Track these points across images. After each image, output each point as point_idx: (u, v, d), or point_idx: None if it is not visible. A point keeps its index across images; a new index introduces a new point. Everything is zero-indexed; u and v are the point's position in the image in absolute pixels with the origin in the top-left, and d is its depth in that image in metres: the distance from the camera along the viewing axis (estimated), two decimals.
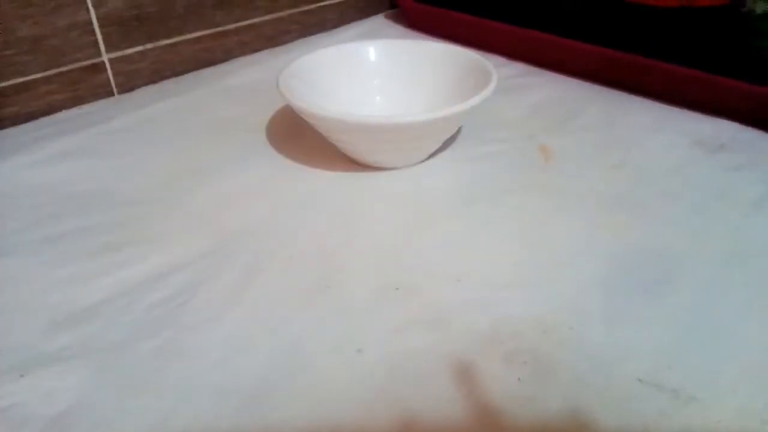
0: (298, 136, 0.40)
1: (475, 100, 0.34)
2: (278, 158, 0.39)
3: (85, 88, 0.47)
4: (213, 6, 0.51)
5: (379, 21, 0.62)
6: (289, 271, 0.30)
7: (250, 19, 0.54)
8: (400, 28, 0.60)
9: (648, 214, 0.33)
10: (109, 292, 0.29)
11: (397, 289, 0.29)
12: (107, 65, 0.47)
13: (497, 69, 0.38)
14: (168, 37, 0.50)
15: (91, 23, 0.46)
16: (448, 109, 0.34)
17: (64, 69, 0.46)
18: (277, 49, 0.56)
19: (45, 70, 0.45)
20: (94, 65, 0.47)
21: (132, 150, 0.41)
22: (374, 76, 0.42)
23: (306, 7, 0.57)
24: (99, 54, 0.47)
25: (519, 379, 0.24)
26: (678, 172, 0.36)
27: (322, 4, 0.58)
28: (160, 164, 0.39)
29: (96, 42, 0.46)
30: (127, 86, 0.49)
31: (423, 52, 0.42)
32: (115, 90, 0.48)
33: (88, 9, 0.45)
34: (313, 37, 0.58)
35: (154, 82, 0.50)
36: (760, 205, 0.33)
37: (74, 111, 0.46)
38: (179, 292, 0.29)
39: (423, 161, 0.38)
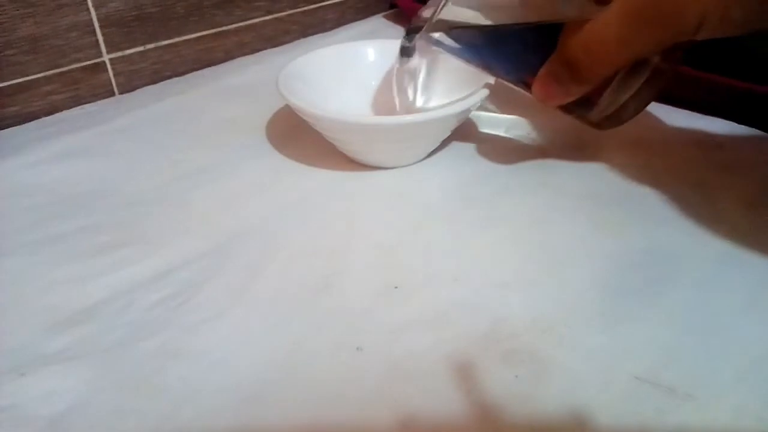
0: (298, 136, 0.40)
1: (471, 101, 0.34)
2: (278, 158, 0.39)
3: (85, 88, 0.47)
4: (213, 6, 0.51)
5: (378, 21, 0.62)
6: (289, 270, 0.30)
7: (250, 19, 0.54)
8: (399, 29, 0.60)
9: (646, 214, 0.33)
10: (109, 292, 0.29)
11: (396, 288, 0.29)
12: (108, 65, 0.48)
13: None
14: (168, 37, 0.50)
15: (91, 23, 0.46)
16: (443, 109, 0.34)
17: (64, 69, 0.46)
18: (277, 50, 0.56)
19: (46, 70, 0.45)
20: (94, 65, 0.47)
21: (132, 150, 0.41)
22: (373, 76, 0.42)
23: (305, 8, 0.57)
24: (100, 54, 0.47)
25: (517, 377, 0.24)
26: (676, 171, 0.36)
27: (321, 4, 0.58)
28: (160, 164, 0.39)
29: (97, 42, 0.46)
30: (128, 86, 0.49)
31: (422, 52, 0.42)
32: (115, 90, 0.49)
33: (88, 9, 0.45)
34: (312, 37, 0.58)
35: (154, 82, 0.50)
36: (757, 205, 0.33)
37: (75, 111, 0.46)
38: (179, 291, 0.29)
39: (422, 160, 0.38)
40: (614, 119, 0.32)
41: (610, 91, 0.31)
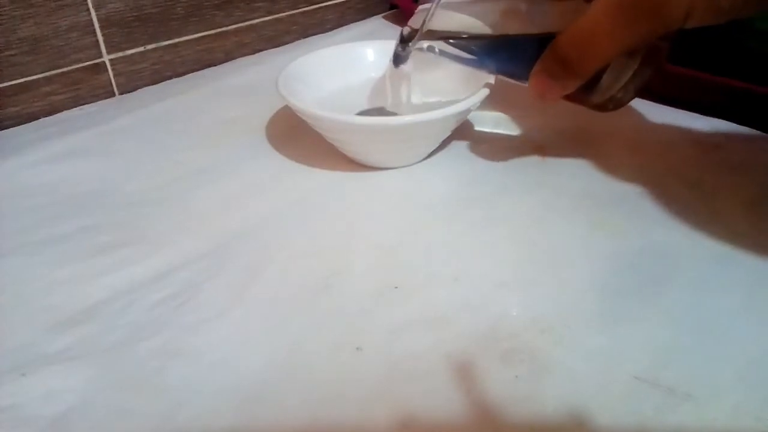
0: (298, 136, 0.40)
1: (468, 102, 0.34)
2: (278, 158, 0.39)
3: (86, 88, 0.47)
4: (213, 7, 0.51)
5: (378, 22, 0.62)
6: (289, 271, 0.30)
7: (250, 20, 0.54)
8: (399, 30, 0.60)
9: (645, 214, 0.33)
10: (110, 292, 0.29)
11: (396, 288, 0.29)
12: (108, 66, 0.48)
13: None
14: (168, 37, 0.50)
15: (92, 24, 0.46)
16: (443, 109, 0.34)
17: (65, 69, 0.46)
18: (277, 50, 0.56)
19: (46, 70, 0.45)
20: (95, 66, 0.47)
21: (132, 150, 0.41)
22: (373, 77, 0.42)
23: (305, 8, 0.57)
24: (100, 54, 0.47)
25: (517, 377, 0.24)
26: (674, 171, 0.36)
27: (321, 5, 0.58)
28: (160, 164, 0.39)
29: (97, 42, 0.46)
30: (128, 87, 0.49)
31: (421, 53, 0.42)
32: (116, 90, 0.49)
33: (88, 10, 0.45)
34: (312, 38, 0.58)
35: (154, 82, 0.50)
36: (756, 205, 0.33)
37: (75, 111, 0.46)
38: (179, 292, 0.29)
39: (422, 160, 0.38)
40: (616, 101, 0.33)
41: (607, 76, 0.31)
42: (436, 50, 0.34)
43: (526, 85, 0.32)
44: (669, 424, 0.22)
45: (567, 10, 0.30)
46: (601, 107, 0.33)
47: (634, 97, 0.33)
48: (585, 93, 0.32)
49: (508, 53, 0.33)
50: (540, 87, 0.31)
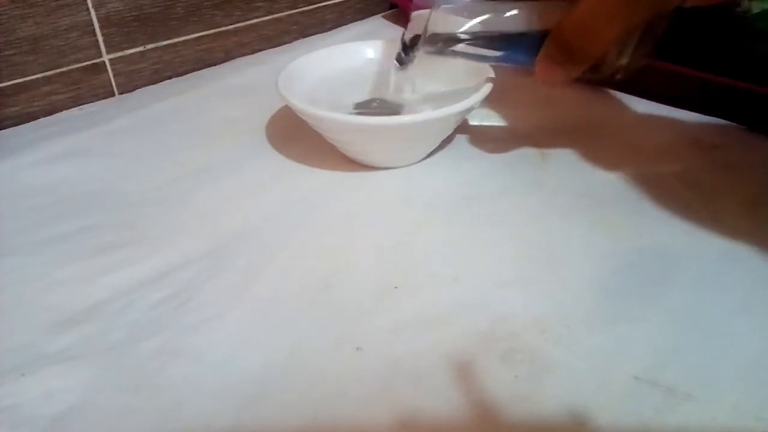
0: (298, 136, 0.40)
1: (468, 102, 0.34)
2: (278, 158, 0.39)
3: (85, 88, 0.47)
4: (213, 7, 0.51)
5: (377, 22, 0.62)
6: (289, 271, 0.30)
7: (249, 19, 0.54)
8: (398, 29, 0.60)
9: (644, 213, 0.33)
10: (110, 292, 0.29)
11: (396, 288, 0.29)
12: (108, 66, 0.48)
13: (496, 69, 0.38)
14: (168, 37, 0.50)
15: (91, 24, 0.46)
16: (441, 110, 0.34)
17: (64, 69, 0.46)
18: (277, 50, 0.56)
19: (46, 70, 0.45)
20: (94, 65, 0.47)
21: (132, 150, 0.41)
22: (373, 77, 0.42)
23: (305, 8, 0.57)
24: (99, 54, 0.47)
25: (516, 377, 0.24)
26: (673, 171, 0.36)
27: (320, 5, 0.58)
28: (160, 164, 0.39)
29: (96, 42, 0.46)
30: (128, 86, 0.49)
31: (421, 53, 0.42)
32: (115, 90, 0.49)
33: (88, 9, 0.45)
34: (312, 37, 0.58)
35: (154, 82, 0.50)
36: (755, 204, 0.33)
37: (75, 111, 0.46)
38: (180, 291, 0.29)
39: (422, 160, 0.38)
40: (624, 70, 0.33)
41: (610, 52, 0.31)
42: (457, 50, 0.34)
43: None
44: (669, 424, 0.22)
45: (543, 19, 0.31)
46: (610, 78, 0.33)
47: (641, 64, 0.33)
48: (591, 69, 0.32)
49: (522, 45, 0.33)
50: (545, 74, 0.31)
